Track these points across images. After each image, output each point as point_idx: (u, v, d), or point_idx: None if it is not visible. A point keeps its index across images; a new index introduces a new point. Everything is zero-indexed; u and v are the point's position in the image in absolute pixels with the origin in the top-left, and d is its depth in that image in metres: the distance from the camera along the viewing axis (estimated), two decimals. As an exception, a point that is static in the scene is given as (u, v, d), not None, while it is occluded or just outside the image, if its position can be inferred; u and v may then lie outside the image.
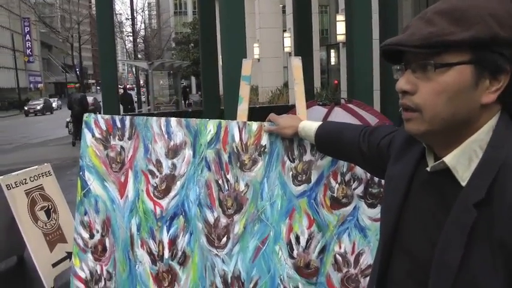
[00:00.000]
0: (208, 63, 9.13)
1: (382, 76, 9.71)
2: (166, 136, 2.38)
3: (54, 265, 4.56)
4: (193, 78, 47.58)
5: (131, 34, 41.37)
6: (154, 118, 2.40)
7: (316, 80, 19.14)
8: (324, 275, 2.25)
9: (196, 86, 45.33)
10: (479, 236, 1.04)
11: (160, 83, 21.85)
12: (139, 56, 43.33)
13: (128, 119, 2.42)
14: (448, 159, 1.13)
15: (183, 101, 25.48)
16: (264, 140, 2.29)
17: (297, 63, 2.34)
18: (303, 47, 9.55)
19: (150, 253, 2.37)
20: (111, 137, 2.43)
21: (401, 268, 1.26)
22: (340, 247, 2.25)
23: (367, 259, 2.23)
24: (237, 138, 2.31)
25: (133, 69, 41.76)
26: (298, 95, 2.32)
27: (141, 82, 37.82)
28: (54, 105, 49.10)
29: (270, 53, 21.69)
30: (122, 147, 2.42)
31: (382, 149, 1.64)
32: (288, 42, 19.81)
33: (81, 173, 2.45)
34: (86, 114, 2.49)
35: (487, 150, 1.09)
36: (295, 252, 2.26)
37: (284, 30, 21.37)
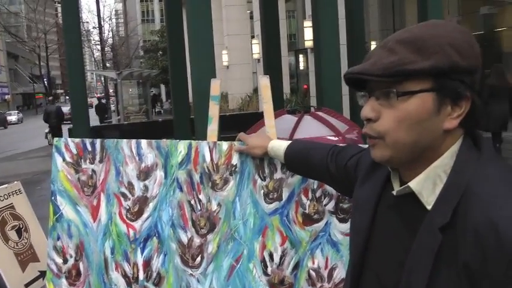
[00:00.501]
0: (176, 71, 9.10)
1: (350, 81, 9.82)
2: (137, 158, 2.38)
3: (26, 285, 4.50)
4: (162, 87, 47.36)
5: (99, 43, 41.12)
6: (125, 140, 2.40)
7: (286, 85, 19.25)
8: (298, 290, 2.28)
9: (166, 94, 45.11)
10: (445, 259, 1.07)
11: (129, 92, 21.75)
12: (107, 64, 43.04)
13: (98, 142, 2.42)
14: (413, 184, 1.17)
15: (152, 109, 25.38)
16: (235, 160, 2.31)
17: (265, 82, 2.37)
18: (271, 54, 9.60)
19: (124, 276, 2.38)
20: (82, 160, 2.43)
21: None
22: (313, 262, 2.28)
23: (341, 273, 2.27)
24: (207, 159, 2.33)
25: (102, 78, 41.45)
26: (267, 114, 2.35)
27: (110, 91, 37.54)
28: (13, 118, 47.64)
29: (239, 60, 21.72)
30: (93, 170, 2.42)
31: (349, 170, 1.67)
32: (257, 48, 19.87)
33: (52, 197, 2.44)
34: (56, 139, 2.48)
35: (451, 175, 1.13)
36: (269, 269, 2.29)
37: (252, 37, 21.43)
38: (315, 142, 2.14)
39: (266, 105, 2.36)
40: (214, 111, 2.39)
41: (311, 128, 5.06)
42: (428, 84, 1.12)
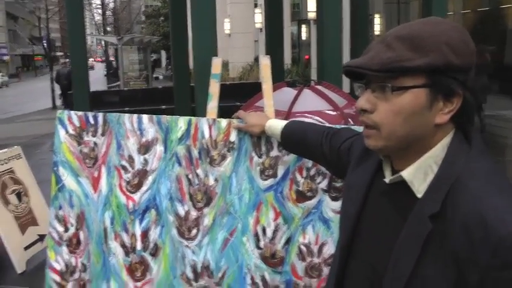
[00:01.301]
0: (178, 38, 9.08)
1: (352, 55, 9.83)
2: (138, 132, 2.45)
3: (26, 248, 4.62)
4: (163, 52, 47.09)
5: (100, 6, 40.78)
6: (127, 115, 2.47)
7: (287, 55, 19.19)
8: (289, 264, 2.38)
9: (167, 59, 44.87)
10: (432, 246, 1.14)
11: (129, 58, 21.67)
12: (108, 28, 42.73)
13: (100, 115, 2.48)
14: (406, 173, 1.23)
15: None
16: (233, 137, 2.38)
17: (265, 61, 2.43)
18: (273, 23, 9.58)
19: (123, 245, 2.47)
20: (84, 133, 2.50)
21: (359, 274, 1.37)
22: (304, 238, 2.37)
23: (330, 249, 2.36)
24: (206, 135, 2.40)
25: (102, 42, 41.20)
26: (265, 93, 2.42)
27: (110, 55, 37.35)
28: None
29: (241, 28, 21.56)
30: (95, 143, 2.49)
31: (342, 153, 1.74)
32: (259, 17, 19.77)
33: (55, 168, 2.52)
34: (59, 111, 2.55)
35: (442, 166, 1.19)
36: (261, 243, 2.38)
37: (255, 5, 21.29)
38: (311, 123, 2.21)
39: (265, 84, 2.43)
40: (214, 89, 2.45)
41: (310, 102, 5.10)
42: (422, 81, 1.17)
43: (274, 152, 2.36)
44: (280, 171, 2.36)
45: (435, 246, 1.14)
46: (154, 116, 2.45)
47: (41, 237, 4.81)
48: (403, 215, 1.22)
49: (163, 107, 10.15)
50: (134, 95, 14.85)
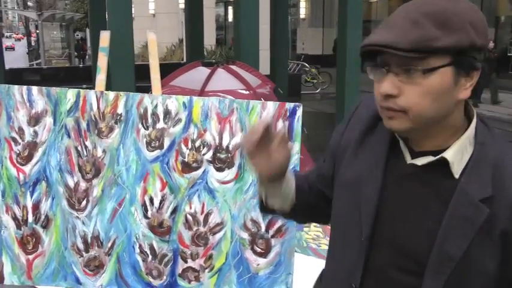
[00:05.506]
0: (96, 17, 8.99)
1: (272, 36, 9.98)
2: (28, 104, 2.48)
3: None
4: (88, 31, 45.94)
5: (21, -20, 39.32)
6: (16, 86, 2.49)
7: (211, 37, 19.19)
8: (176, 233, 2.48)
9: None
10: (483, 229, 1.17)
11: (51, 36, 21.16)
12: (29, 3, 41.31)
13: (-12, 87, 2.50)
14: (449, 155, 1.23)
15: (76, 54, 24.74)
16: (120, 109, 2.45)
17: (152, 37, 2.51)
18: (194, 4, 9.63)
19: (14, 218, 2.50)
20: (-28, 105, 2.51)
21: (385, 259, 1.32)
22: (190, 207, 2.47)
23: (215, 218, 2.47)
24: (94, 107, 2.45)
25: (24, 18, 39.81)
26: (152, 68, 2.50)
27: (32, 32, 36.21)
28: None
29: (165, 9, 21.38)
30: (-17, 115, 2.50)
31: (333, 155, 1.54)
32: (184, -3, 19.68)
33: None
34: None
35: (476, 148, 1.23)
36: (149, 213, 2.47)
37: (180, -15, 21.15)
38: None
39: (152, 59, 2.51)
40: (102, 62, 2.51)
41: (223, 81, 5.21)
42: (448, 60, 1.15)
43: (161, 124, 2.44)
44: (166, 143, 2.45)
45: (485, 227, 1.17)
46: (43, 87, 2.48)
47: None
48: (443, 197, 1.23)
49: (84, 86, 10.04)
50: (55, 73, 14.54)
